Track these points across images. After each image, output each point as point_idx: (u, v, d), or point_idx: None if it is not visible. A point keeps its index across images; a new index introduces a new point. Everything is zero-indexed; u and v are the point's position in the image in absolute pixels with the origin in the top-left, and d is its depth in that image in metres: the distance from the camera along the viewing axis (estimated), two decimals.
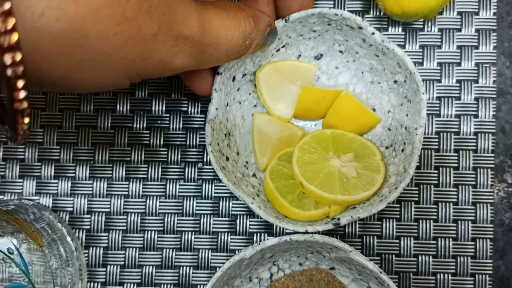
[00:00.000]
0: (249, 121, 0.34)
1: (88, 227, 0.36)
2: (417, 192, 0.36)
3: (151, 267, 0.36)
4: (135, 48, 0.19)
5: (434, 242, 0.35)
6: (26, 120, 0.18)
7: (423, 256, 0.35)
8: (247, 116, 0.34)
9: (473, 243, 0.35)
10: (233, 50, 0.24)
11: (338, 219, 0.30)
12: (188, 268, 0.36)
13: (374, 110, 0.34)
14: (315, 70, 0.34)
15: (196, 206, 0.36)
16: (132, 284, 0.36)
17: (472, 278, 0.35)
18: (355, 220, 0.30)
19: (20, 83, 0.16)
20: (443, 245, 0.35)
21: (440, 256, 0.35)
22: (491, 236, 0.35)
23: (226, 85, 0.31)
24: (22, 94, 0.17)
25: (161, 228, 0.36)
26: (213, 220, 0.36)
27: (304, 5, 0.30)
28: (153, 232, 0.36)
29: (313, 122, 0.35)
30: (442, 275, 0.35)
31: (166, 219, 0.36)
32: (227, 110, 0.32)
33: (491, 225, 0.35)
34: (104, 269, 0.36)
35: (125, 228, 0.36)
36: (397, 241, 0.35)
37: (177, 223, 0.36)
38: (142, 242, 0.36)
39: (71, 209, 0.36)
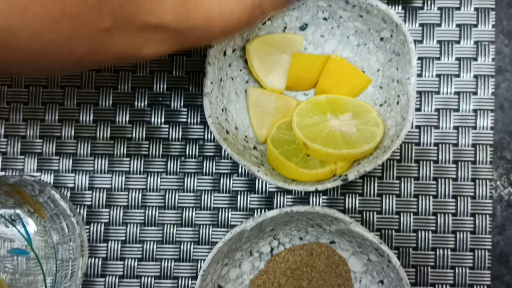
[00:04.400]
0: (243, 98, 0.35)
1: (90, 203, 0.36)
2: (416, 168, 0.36)
3: (152, 242, 0.36)
4: (83, 44, 0.17)
5: (434, 217, 0.36)
6: None
7: (423, 232, 0.35)
8: (240, 93, 0.35)
9: (472, 218, 0.35)
10: (234, 27, 0.21)
11: (346, 175, 0.30)
12: (188, 243, 0.36)
13: (363, 72, 0.34)
14: (302, 40, 0.35)
15: (197, 182, 0.36)
16: (132, 259, 0.36)
17: (471, 253, 0.35)
18: (362, 174, 0.30)
19: None
20: (442, 220, 0.35)
21: (439, 232, 0.35)
22: (490, 212, 0.35)
23: (219, 59, 0.32)
24: None
25: (162, 204, 0.36)
26: (214, 196, 0.36)
27: None
28: (154, 208, 0.36)
29: (305, 92, 0.36)
30: (441, 250, 0.35)
31: (167, 195, 0.36)
32: (221, 86, 0.33)
33: (490, 201, 0.35)
34: (105, 244, 0.36)
35: (126, 204, 0.36)
36: (397, 216, 0.36)
37: (178, 199, 0.36)
38: (143, 218, 0.36)
39: (72, 185, 0.36)
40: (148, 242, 0.36)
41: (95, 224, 0.36)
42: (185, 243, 0.36)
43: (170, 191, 0.36)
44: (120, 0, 0.17)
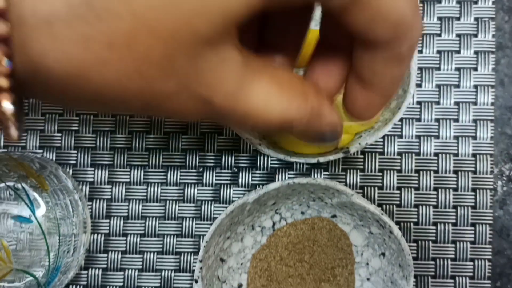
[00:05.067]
0: None
1: (92, 179, 0.36)
2: (417, 144, 0.36)
3: (154, 218, 0.36)
4: (141, 98, 0.17)
5: (435, 193, 0.36)
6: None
7: (424, 207, 0.36)
8: None
9: (473, 193, 0.36)
10: (261, 127, 0.20)
11: (347, 147, 0.30)
12: (190, 219, 0.36)
13: None
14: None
15: (199, 158, 0.36)
16: (135, 235, 0.36)
17: (472, 228, 0.35)
18: (364, 147, 0.29)
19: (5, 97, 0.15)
20: (443, 196, 0.36)
21: (440, 207, 0.36)
22: (491, 187, 0.36)
23: None
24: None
25: (164, 181, 0.36)
26: (216, 173, 0.36)
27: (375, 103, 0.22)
28: (156, 184, 0.36)
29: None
30: (442, 225, 0.35)
31: (169, 172, 0.36)
32: None
33: (491, 176, 0.36)
34: (107, 220, 0.36)
35: (128, 180, 0.36)
36: (398, 192, 0.36)
37: (180, 176, 0.36)
38: (145, 194, 0.36)
39: (74, 162, 0.37)
40: (150, 218, 0.36)
41: (98, 201, 0.36)
42: (187, 219, 0.36)
43: (173, 168, 0.36)
44: (190, 69, 0.17)
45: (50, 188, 0.33)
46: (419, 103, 0.36)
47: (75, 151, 0.36)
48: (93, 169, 0.36)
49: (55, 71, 0.15)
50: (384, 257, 0.32)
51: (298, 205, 0.33)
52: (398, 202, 0.36)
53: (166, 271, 0.36)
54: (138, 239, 0.36)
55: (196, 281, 0.30)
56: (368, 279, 0.33)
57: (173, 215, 0.36)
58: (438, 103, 0.36)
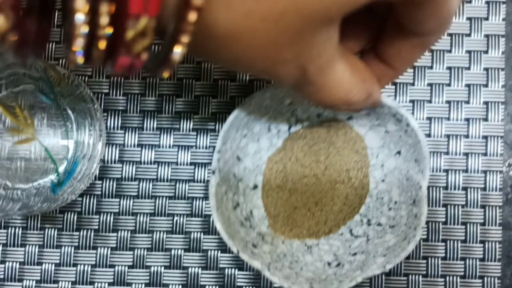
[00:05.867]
0: None
1: (107, 91, 0.37)
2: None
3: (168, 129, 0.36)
4: (265, 63, 0.21)
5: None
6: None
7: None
8: None
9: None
10: (326, 101, 0.24)
11: None
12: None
13: None
14: None
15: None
16: (149, 146, 0.36)
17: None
18: None
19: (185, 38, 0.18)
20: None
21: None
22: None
23: None
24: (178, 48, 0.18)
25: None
26: None
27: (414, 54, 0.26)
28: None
29: None
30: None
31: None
32: None
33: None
34: (122, 131, 0.36)
35: (143, 91, 0.36)
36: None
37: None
38: (160, 105, 0.36)
39: (90, 73, 0.37)
40: (164, 130, 0.36)
41: (112, 112, 0.36)
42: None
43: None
44: (306, 42, 0.20)
45: (71, 96, 0.33)
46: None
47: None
48: (108, 80, 0.37)
49: (219, 34, 0.19)
50: (400, 156, 0.33)
51: (314, 107, 0.33)
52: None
53: (180, 182, 0.36)
54: (153, 152, 0.36)
55: (214, 172, 0.30)
56: (382, 180, 0.34)
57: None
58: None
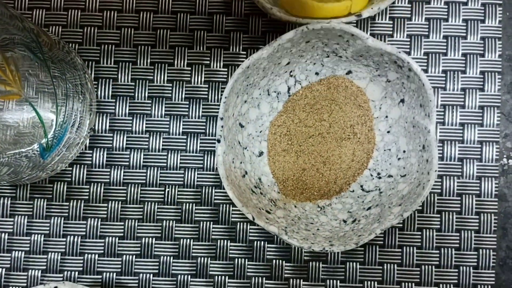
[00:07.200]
0: None
1: (98, 59, 0.36)
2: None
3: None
4: None
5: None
6: None
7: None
8: None
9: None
10: None
11: (360, 13, 0.30)
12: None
13: None
14: None
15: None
16: (141, 115, 0.35)
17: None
18: (376, 12, 0.29)
19: None
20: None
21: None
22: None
23: None
24: None
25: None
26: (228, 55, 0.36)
27: None
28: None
29: None
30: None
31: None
32: None
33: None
34: (113, 100, 0.36)
35: (134, 60, 0.36)
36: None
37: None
38: (152, 74, 0.36)
39: (80, 40, 0.36)
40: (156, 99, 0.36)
41: (103, 80, 0.36)
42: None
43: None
44: None
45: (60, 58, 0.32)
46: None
47: (81, 29, 0.36)
48: (98, 47, 0.36)
49: None
50: (404, 104, 0.32)
51: (312, 65, 0.33)
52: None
53: (172, 151, 0.35)
54: (145, 124, 0.35)
55: (219, 141, 0.30)
56: (388, 132, 0.33)
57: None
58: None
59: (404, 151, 0.33)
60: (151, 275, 0.35)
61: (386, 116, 0.34)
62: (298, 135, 0.34)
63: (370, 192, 0.33)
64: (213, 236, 0.35)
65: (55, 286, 0.29)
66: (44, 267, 0.35)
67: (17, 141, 0.30)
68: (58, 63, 0.33)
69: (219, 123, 0.30)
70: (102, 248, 0.35)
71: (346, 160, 0.34)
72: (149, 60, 0.36)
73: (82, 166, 0.35)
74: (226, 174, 0.30)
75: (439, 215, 0.35)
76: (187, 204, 0.35)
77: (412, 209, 0.30)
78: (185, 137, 0.35)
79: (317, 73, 0.34)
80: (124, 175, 0.35)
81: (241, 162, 0.33)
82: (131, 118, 0.35)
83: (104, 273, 0.35)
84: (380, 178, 0.33)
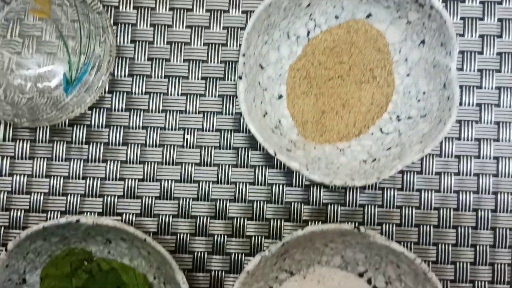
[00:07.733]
0: None
1: (116, 4, 0.36)
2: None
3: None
4: None
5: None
6: None
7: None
8: None
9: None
10: None
11: None
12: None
13: None
14: None
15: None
16: (159, 60, 0.36)
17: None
18: None
19: None
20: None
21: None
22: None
23: None
24: None
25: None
26: None
27: None
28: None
29: None
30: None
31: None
32: None
33: None
34: (132, 45, 0.36)
35: (153, 5, 0.36)
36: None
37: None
38: (170, 19, 0.36)
39: None
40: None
41: (122, 26, 0.36)
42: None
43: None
44: None
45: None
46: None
47: None
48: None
49: None
50: (424, 45, 0.32)
51: (332, 7, 0.33)
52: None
53: (192, 96, 0.35)
54: (164, 67, 0.36)
55: (240, 77, 0.30)
56: (408, 75, 0.34)
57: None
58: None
59: (424, 92, 0.33)
60: (171, 216, 0.35)
61: (406, 59, 0.34)
62: (318, 78, 0.34)
63: (390, 134, 0.34)
64: (232, 179, 0.35)
65: (77, 219, 0.30)
66: (63, 209, 0.35)
67: (40, 51, 0.31)
68: (83, 4, 0.33)
69: (240, 59, 0.30)
70: (122, 190, 0.35)
71: (365, 103, 0.34)
72: (168, 7, 0.36)
73: (102, 110, 0.35)
74: (248, 110, 0.30)
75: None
76: (208, 148, 0.35)
77: (434, 144, 0.30)
78: (203, 81, 0.36)
79: (336, 17, 0.34)
80: (144, 119, 0.35)
81: (261, 102, 0.33)
82: (149, 63, 0.36)
83: (124, 214, 0.35)
84: (399, 120, 0.34)
